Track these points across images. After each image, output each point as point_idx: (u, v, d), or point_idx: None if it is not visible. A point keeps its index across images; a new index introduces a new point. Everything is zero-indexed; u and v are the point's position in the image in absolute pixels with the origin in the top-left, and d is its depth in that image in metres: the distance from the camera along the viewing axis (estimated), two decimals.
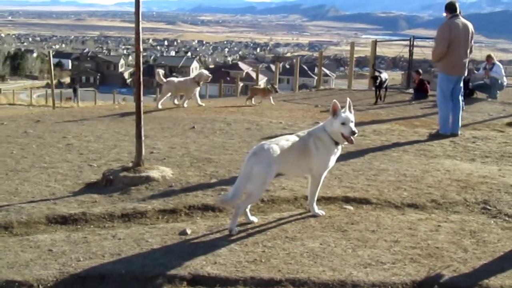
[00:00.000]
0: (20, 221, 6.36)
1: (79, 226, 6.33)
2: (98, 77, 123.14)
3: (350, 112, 6.16)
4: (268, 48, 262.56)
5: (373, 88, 17.00)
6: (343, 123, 6.07)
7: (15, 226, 6.26)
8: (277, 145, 6.04)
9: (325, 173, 6.43)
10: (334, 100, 6.19)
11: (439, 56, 11.07)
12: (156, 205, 6.80)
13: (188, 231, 5.92)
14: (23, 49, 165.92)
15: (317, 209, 6.48)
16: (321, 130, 6.31)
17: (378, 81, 17.21)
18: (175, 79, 16.72)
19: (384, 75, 17.28)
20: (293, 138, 6.26)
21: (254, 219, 6.25)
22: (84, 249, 5.50)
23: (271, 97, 17.28)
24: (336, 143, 6.28)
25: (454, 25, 10.97)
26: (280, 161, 5.99)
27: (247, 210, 6.21)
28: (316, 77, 34.34)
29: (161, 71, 16.31)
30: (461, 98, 11.53)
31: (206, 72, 16.75)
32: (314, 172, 6.35)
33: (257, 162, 5.89)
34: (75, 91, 59.40)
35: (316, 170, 6.32)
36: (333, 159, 6.38)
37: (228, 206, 6.37)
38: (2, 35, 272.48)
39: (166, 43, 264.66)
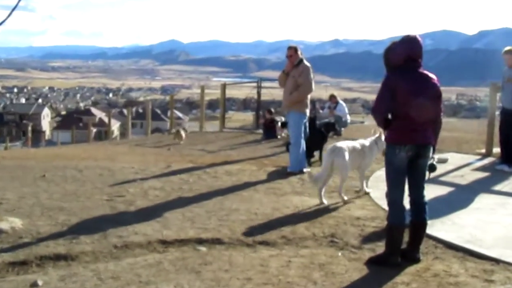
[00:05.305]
0: None
1: None
2: None
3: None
4: (121, 93, 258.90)
5: None
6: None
7: None
8: (346, 145, 8.94)
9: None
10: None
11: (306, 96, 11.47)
12: (6, 258, 6.49)
13: (40, 283, 5.68)
14: None
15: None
16: (373, 141, 9.37)
17: None
18: None
19: None
20: (355, 143, 9.26)
21: (325, 201, 8.82)
22: None
23: None
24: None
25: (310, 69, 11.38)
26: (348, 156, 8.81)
27: (322, 193, 8.85)
28: (169, 121, 34.25)
29: None
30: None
31: None
32: (363, 168, 9.38)
33: (336, 156, 8.69)
34: None
35: (365, 167, 9.44)
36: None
37: (315, 183, 8.97)
38: None
39: (15, 90, 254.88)
